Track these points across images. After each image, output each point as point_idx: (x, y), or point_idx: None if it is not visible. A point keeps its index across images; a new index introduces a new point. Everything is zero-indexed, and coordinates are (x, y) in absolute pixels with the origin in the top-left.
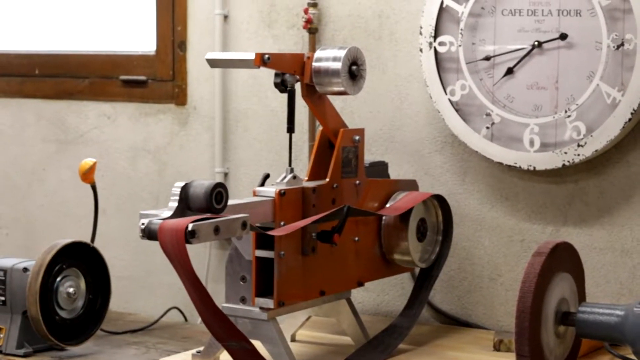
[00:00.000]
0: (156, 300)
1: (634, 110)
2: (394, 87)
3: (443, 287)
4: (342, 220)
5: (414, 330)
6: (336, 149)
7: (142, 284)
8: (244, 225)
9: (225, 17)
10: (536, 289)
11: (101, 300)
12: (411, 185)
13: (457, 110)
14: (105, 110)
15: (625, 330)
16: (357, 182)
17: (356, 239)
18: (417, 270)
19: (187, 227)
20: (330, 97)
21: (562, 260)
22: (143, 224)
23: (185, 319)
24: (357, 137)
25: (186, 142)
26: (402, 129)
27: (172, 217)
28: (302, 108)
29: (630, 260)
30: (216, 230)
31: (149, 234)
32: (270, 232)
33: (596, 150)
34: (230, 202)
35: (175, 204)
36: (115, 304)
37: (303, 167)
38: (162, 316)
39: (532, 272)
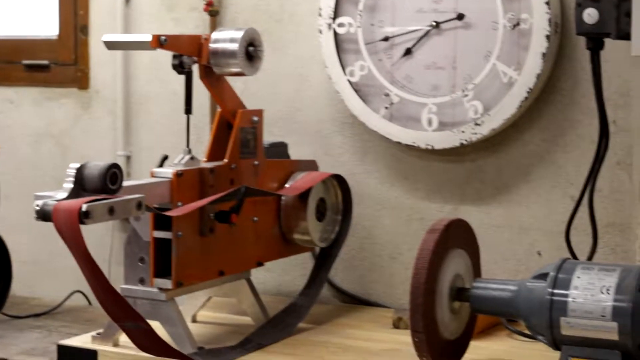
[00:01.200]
0: (60, 284)
1: (529, 89)
2: (294, 69)
3: (344, 267)
4: (239, 201)
5: (315, 310)
6: (234, 130)
7: (46, 269)
8: (139, 205)
9: (127, 0)
10: (430, 265)
11: (2, 285)
12: (310, 165)
13: (356, 91)
14: (9, 95)
15: (518, 305)
16: (256, 162)
17: (255, 219)
18: (317, 250)
19: (80, 208)
20: (229, 79)
21: (457, 237)
22: (38, 205)
23: (89, 303)
24: (255, 118)
25: (89, 125)
26: (302, 110)
27: (67, 198)
28: (204, 90)
29: (527, 237)
30: (111, 210)
31: (43, 215)
32: (167, 213)
33: (493, 129)
34: (127, 183)
35: (71, 186)
36: (20, 288)
37: (205, 149)
38: (65, 300)
39: (426, 249)
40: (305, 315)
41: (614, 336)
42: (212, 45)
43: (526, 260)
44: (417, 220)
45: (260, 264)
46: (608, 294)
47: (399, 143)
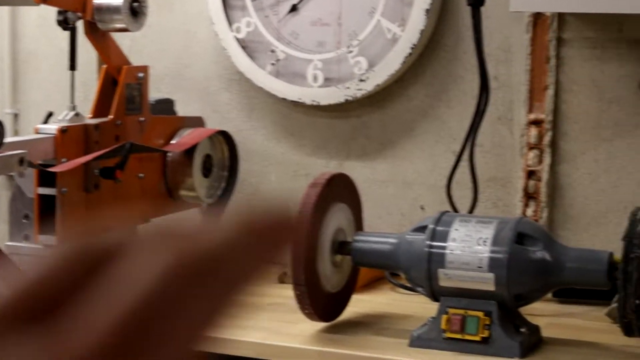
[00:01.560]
0: None
1: (413, 45)
2: (182, 25)
3: None
4: (124, 157)
5: None
6: (119, 86)
7: None
8: (21, 161)
9: None
10: (312, 219)
11: None
12: (197, 122)
13: (243, 48)
14: None
15: (398, 257)
16: (142, 119)
17: (141, 175)
18: (204, 206)
19: None
20: (116, 36)
21: (339, 191)
22: None
23: None
24: (141, 75)
25: None
26: (190, 66)
27: None
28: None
29: (411, 192)
30: None
31: None
32: (50, 169)
33: (378, 85)
34: (10, 139)
35: None
36: None
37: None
38: None
39: (307, 202)
40: None
41: (491, 287)
42: (96, 1)
43: (410, 215)
44: (303, 176)
45: (146, 221)
46: (485, 245)
47: (285, 99)
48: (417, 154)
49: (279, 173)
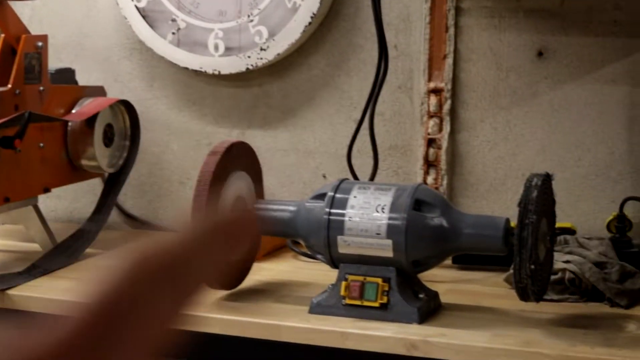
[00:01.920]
0: None
1: (313, 14)
2: None
3: (134, 193)
4: (22, 126)
5: (105, 235)
6: (18, 56)
7: None
8: None
9: None
10: (211, 187)
11: None
12: (98, 91)
13: (143, 17)
14: None
15: (298, 225)
16: (41, 88)
17: (41, 145)
18: (106, 175)
19: None
20: (14, 4)
21: (238, 159)
22: None
23: None
24: (40, 44)
25: None
26: (91, 36)
27: None
28: None
29: (312, 161)
30: None
31: None
32: None
33: (278, 54)
34: None
35: None
36: None
37: None
38: None
39: (206, 171)
40: (93, 241)
41: (389, 253)
42: None
43: (312, 183)
44: (205, 146)
45: (47, 190)
46: (383, 212)
47: (187, 69)
48: (319, 123)
49: (181, 142)
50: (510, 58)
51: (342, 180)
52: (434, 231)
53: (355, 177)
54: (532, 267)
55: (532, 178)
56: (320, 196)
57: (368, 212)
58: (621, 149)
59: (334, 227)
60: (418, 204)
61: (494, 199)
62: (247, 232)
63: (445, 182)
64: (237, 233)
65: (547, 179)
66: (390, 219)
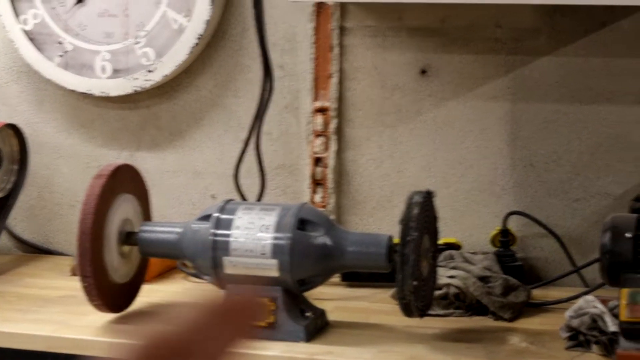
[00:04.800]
0: None
1: (199, 35)
2: None
3: (24, 217)
4: None
5: None
6: None
7: None
8: None
9: None
10: (97, 210)
11: None
12: None
13: (30, 40)
14: None
15: (184, 246)
16: None
17: None
18: None
19: None
20: None
21: (125, 182)
22: None
23: None
24: None
25: None
26: None
27: None
28: None
29: (201, 181)
30: None
31: None
32: None
33: (166, 75)
34: None
35: None
36: None
37: None
38: None
39: (92, 194)
40: None
41: (275, 273)
42: None
43: (201, 204)
44: (95, 168)
45: None
46: (267, 232)
47: (75, 91)
48: (207, 144)
49: (70, 165)
50: (395, 76)
51: (228, 201)
52: (318, 250)
53: (243, 197)
54: (415, 283)
55: (413, 195)
56: (206, 217)
57: (253, 233)
58: (504, 165)
59: (219, 248)
60: (302, 223)
61: (381, 216)
62: (250, 317)
63: (332, 200)
64: (240, 318)
65: (428, 196)
66: (275, 238)
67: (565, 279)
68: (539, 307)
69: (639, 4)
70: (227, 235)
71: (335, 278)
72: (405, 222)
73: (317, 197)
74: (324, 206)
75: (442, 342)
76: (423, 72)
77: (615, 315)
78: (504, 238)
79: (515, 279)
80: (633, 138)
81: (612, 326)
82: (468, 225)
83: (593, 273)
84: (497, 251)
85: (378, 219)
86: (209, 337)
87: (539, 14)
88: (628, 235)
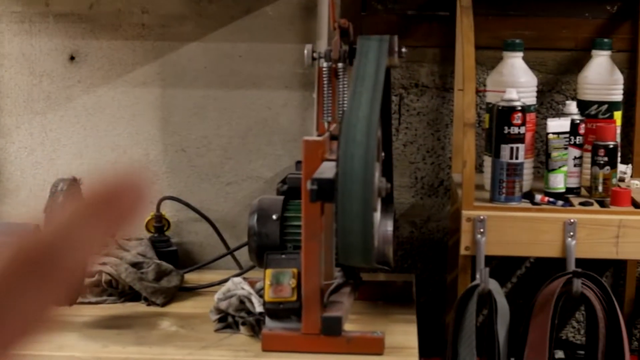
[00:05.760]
0: None
1: None
2: None
3: None
4: None
5: None
6: None
7: None
8: None
9: None
10: None
11: None
12: None
13: None
14: None
15: None
16: None
17: None
18: None
19: None
20: None
21: None
22: None
23: None
24: None
25: None
26: None
27: None
28: None
29: None
30: None
31: None
32: None
33: None
34: None
35: None
36: None
37: None
38: None
39: None
40: None
41: None
42: None
43: None
44: None
45: None
46: None
47: None
48: None
49: None
50: (43, 63)
51: None
52: None
53: None
54: None
55: (57, 183)
56: None
57: None
58: (156, 150)
59: None
60: None
61: (34, 205)
62: (134, 198)
63: None
64: (122, 201)
65: (73, 183)
66: None
67: (222, 263)
68: (192, 291)
69: None
70: None
71: None
72: (50, 209)
73: None
74: None
75: (93, 329)
76: (72, 58)
77: (262, 296)
78: (158, 223)
79: (171, 264)
80: (281, 122)
81: (258, 307)
82: None
83: (247, 255)
84: (151, 237)
85: (31, 208)
86: (82, 235)
87: (185, 1)
88: (274, 217)
